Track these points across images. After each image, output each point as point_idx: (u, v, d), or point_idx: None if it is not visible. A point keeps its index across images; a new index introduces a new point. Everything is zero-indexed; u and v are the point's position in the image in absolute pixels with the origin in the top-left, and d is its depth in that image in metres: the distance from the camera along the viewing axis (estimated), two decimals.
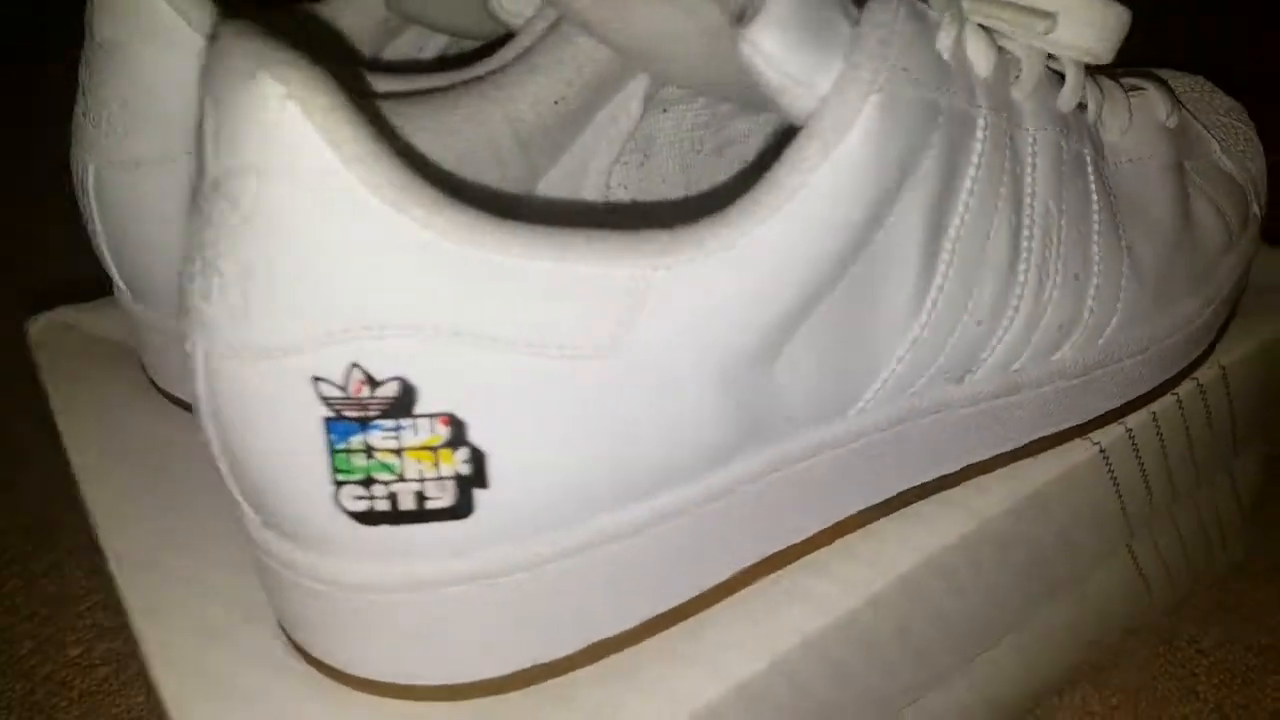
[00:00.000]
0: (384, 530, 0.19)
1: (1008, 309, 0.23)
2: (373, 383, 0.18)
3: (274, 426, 0.18)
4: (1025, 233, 0.23)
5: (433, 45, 0.32)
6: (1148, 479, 0.29)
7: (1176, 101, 0.29)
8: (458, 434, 0.18)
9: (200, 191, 0.18)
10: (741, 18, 0.19)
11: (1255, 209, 0.31)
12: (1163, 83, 0.29)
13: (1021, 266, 0.23)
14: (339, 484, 0.18)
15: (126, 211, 0.25)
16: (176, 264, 0.18)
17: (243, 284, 0.17)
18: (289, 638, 0.22)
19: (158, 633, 0.23)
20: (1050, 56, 0.23)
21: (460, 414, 0.18)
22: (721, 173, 0.30)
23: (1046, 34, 0.21)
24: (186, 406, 0.29)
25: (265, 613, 0.23)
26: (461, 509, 0.19)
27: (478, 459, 0.18)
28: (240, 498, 0.20)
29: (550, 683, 0.21)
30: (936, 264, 0.22)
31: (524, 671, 0.21)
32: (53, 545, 0.41)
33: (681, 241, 0.18)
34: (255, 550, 0.21)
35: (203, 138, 0.17)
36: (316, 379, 0.17)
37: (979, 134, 0.22)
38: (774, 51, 0.19)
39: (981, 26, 0.22)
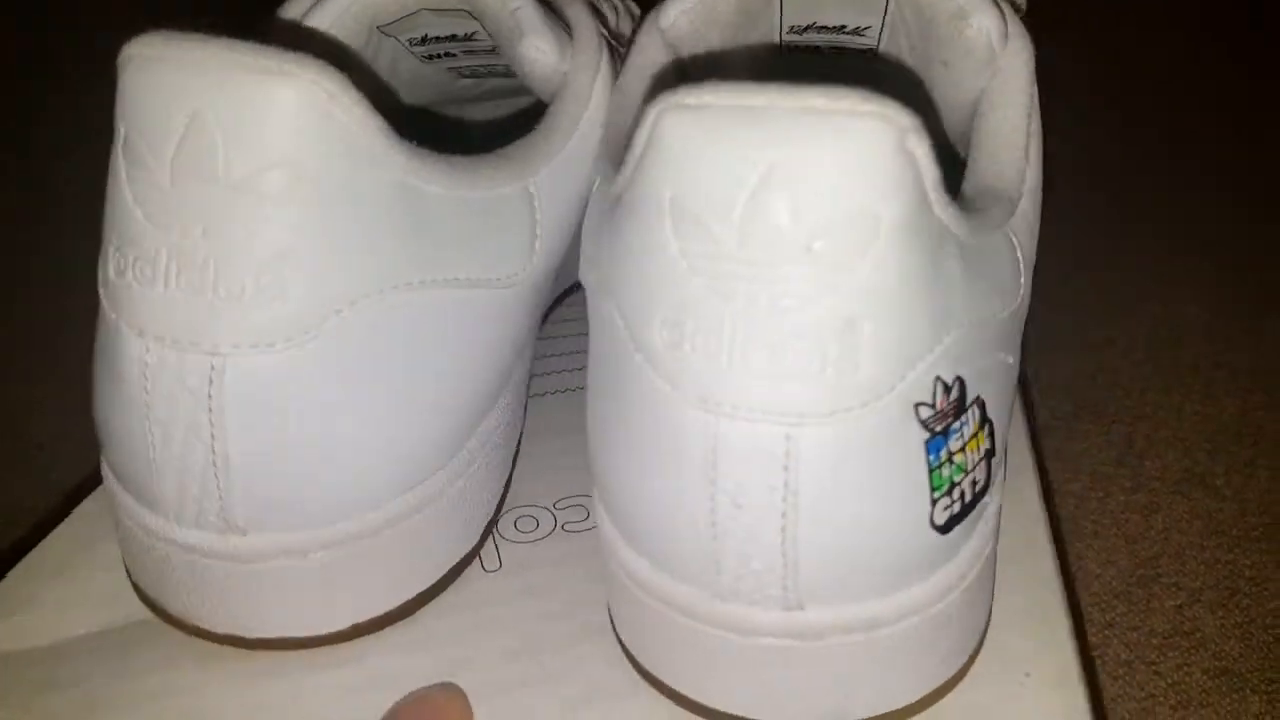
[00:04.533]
0: (953, 534, 0.19)
1: None
2: (947, 389, 0.18)
3: (877, 473, 0.18)
4: None
5: None
6: None
7: None
8: (983, 412, 0.20)
9: (736, 271, 0.17)
10: None
11: None
12: None
13: None
14: (934, 501, 0.19)
15: (267, 406, 0.19)
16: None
17: (852, 338, 0.17)
18: None
19: None
20: None
21: (983, 393, 0.19)
22: None
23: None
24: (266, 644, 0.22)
25: None
26: (989, 484, 0.20)
27: (992, 431, 0.20)
28: (742, 585, 0.18)
29: None
30: None
31: None
32: None
33: None
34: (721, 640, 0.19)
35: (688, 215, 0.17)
36: (917, 404, 0.18)
37: None
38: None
39: None
